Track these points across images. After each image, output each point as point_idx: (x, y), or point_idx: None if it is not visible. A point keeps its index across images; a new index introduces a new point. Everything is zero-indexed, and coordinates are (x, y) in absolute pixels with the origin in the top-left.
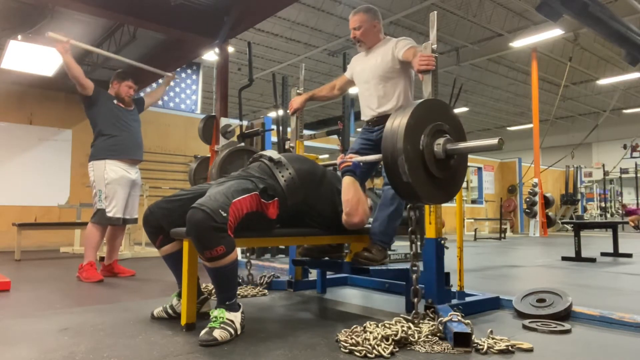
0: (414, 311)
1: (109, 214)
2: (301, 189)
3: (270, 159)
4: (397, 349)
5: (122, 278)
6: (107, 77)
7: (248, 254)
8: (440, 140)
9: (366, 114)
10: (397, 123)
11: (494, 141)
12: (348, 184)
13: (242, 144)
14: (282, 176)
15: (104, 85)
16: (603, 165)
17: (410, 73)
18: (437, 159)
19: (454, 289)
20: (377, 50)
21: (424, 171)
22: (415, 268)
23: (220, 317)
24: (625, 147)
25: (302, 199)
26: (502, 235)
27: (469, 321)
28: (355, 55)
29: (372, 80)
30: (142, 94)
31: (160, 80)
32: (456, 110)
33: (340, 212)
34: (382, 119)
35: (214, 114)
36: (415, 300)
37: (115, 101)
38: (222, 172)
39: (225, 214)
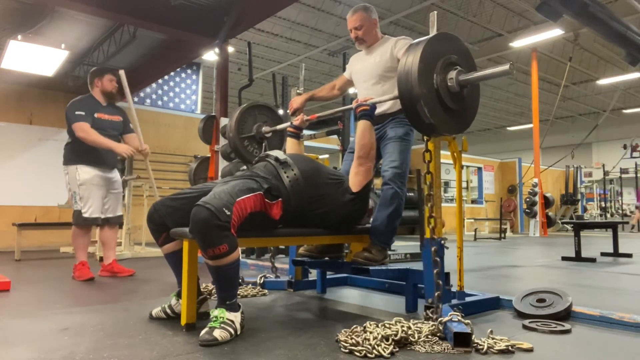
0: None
1: (85, 215)
2: (305, 189)
3: (277, 159)
4: (397, 349)
5: (121, 278)
6: None
7: (271, 257)
8: (452, 74)
9: None
10: (409, 66)
11: (505, 67)
12: (365, 128)
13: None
14: (287, 177)
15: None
16: (603, 165)
17: None
18: (452, 92)
19: (454, 289)
20: (376, 50)
21: (442, 108)
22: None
23: (220, 317)
24: (625, 147)
25: (306, 199)
26: (502, 235)
27: (469, 321)
28: (354, 55)
29: (371, 79)
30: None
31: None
32: None
33: (343, 211)
34: (381, 118)
35: (214, 114)
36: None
37: (96, 114)
38: (239, 133)
39: (229, 213)
